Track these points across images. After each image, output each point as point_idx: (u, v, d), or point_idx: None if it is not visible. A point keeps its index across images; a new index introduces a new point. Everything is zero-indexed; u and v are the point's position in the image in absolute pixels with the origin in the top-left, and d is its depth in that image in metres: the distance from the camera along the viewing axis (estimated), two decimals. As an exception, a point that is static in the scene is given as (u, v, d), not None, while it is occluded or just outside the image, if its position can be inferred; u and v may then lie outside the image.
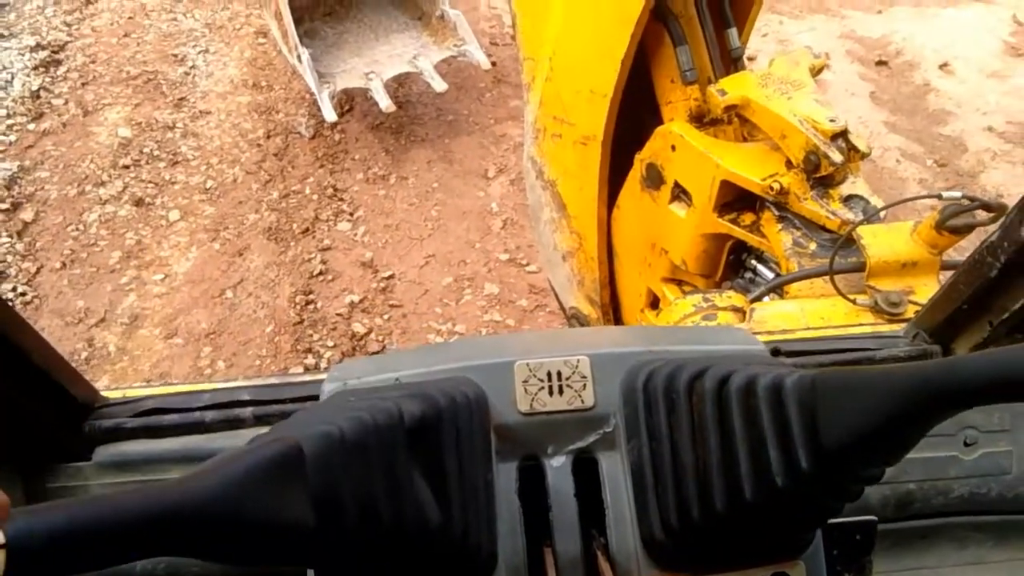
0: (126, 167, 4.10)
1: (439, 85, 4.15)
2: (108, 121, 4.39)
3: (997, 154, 4.26)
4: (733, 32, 1.84)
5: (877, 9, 5.49)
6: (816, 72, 1.72)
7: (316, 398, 0.87)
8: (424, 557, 0.57)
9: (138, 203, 3.90)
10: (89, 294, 3.48)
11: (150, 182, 4.03)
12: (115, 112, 4.46)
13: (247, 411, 0.97)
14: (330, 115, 3.92)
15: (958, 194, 1.30)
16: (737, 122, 1.85)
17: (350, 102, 4.61)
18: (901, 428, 0.47)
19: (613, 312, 2.30)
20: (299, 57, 3.90)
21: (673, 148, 1.79)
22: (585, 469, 0.67)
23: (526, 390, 0.67)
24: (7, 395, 0.84)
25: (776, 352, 1.04)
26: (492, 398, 0.67)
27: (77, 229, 3.78)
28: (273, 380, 1.02)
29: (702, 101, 1.78)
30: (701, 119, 1.83)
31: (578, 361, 0.68)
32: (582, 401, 0.67)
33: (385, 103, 3.95)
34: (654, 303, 2.10)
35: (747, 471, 0.55)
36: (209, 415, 0.97)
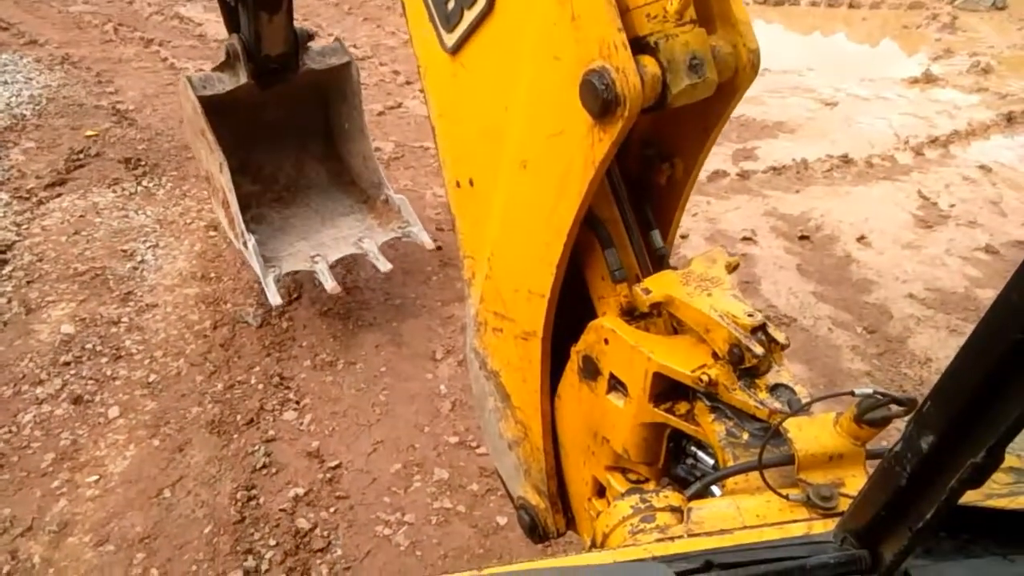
0: (66, 364, 4.03)
1: (383, 265, 4.26)
2: (51, 318, 4.37)
3: (921, 319, 4.49)
4: (656, 233, 1.97)
5: (795, 189, 5.94)
6: (732, 269, 1.84)
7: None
8: None
9: (76, 401, 3.81)
10: (17, 501, 3.30)
11: (90, 379, 3.95)
12: (59, 309, 4.44)
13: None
14: (275, 299, 3.96)
15: (869, 390, 1.37)
16: (666, 314, 1.94)
17: (298, 289, 4.70)
18: None
19: (561, 501, 2.27)
20: (245, 243, 3.98)
21: (606, 341, 1.85)
22: None
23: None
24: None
25: (709, 565, 1.05)
26: None
27: (10, 431, 3.64)
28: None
29: (631, 297, 1.87)
30: (632, 313, 1.91)
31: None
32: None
33: (330, 284, 4.02)
34: (600, 491, 2.09)
35: None
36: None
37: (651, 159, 1.93)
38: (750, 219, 5.42)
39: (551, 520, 2.28)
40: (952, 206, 5.62)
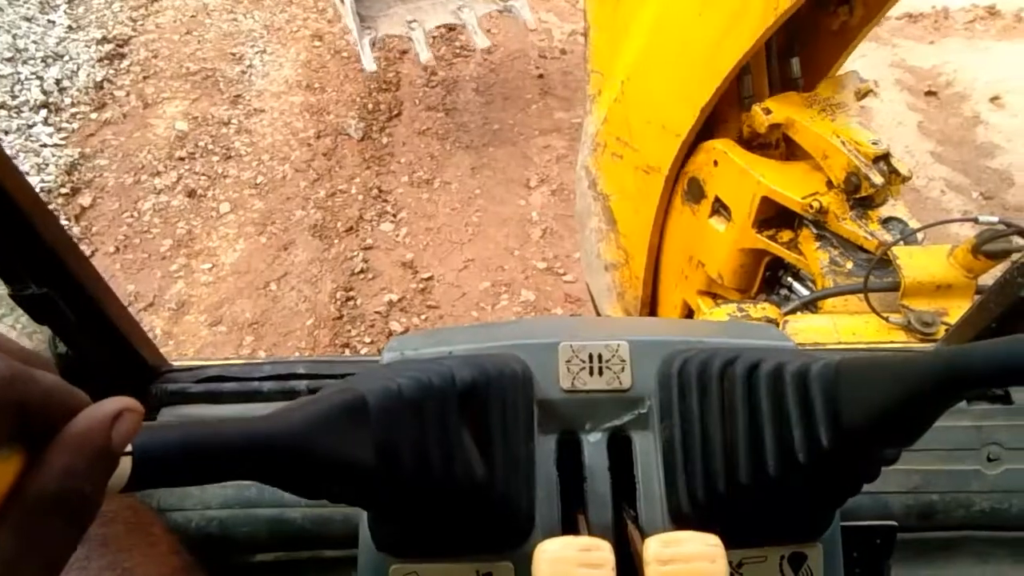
0: (181, 159, 4.24)
1: (482, 41, 4.09)
2: (166, 114, 4.55)
3: (1045, 189, 4.21)
4: (795, 61, 1.87)
5: (929, 40, 5.46)
6: (861, 96, 1.75)
7: (368, 374, 0.93)
8: (468, 510, 0.62)
9: (191, 194, 4.04)
10: (140, 279, 3.61)
11: (203, 175, 4.16)
12: (173, 106, 4.61)
13: (302, 383, 1.03)
14: (370, 65, 3.89)
15: (994, 219, 1.33)
16: (783, 147, 1.88)
17: (399, 106, 4.72)
18: (917, 408, 0.50)
19: None
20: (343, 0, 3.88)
21: (716, 163, 1.82)
22: (619, 446, 0.71)
23: (568, 369, 0.72)
24: (85, 350, 0.91)
25: (806, 360, 1.08)
26: (537, 375, 0.72)
27: (132, 216, 3.92)
28: (328, 357, 1.09)
29: (748, 121, 1.81)
30: (750, 143, 1.86)
31: (618, 346, 0.73)
32: (620, 382, 0.72)
33: (425, 55, 3.93)
34: (689, 315, 2.13)
35: (771, 448, 0.59)
36: (267, 385, 1.04)
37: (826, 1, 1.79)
38: (875, 69, 5.04)
39: None
40: (1105, 71, 5.09)
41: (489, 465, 0.64)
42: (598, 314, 2.52)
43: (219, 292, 3.57)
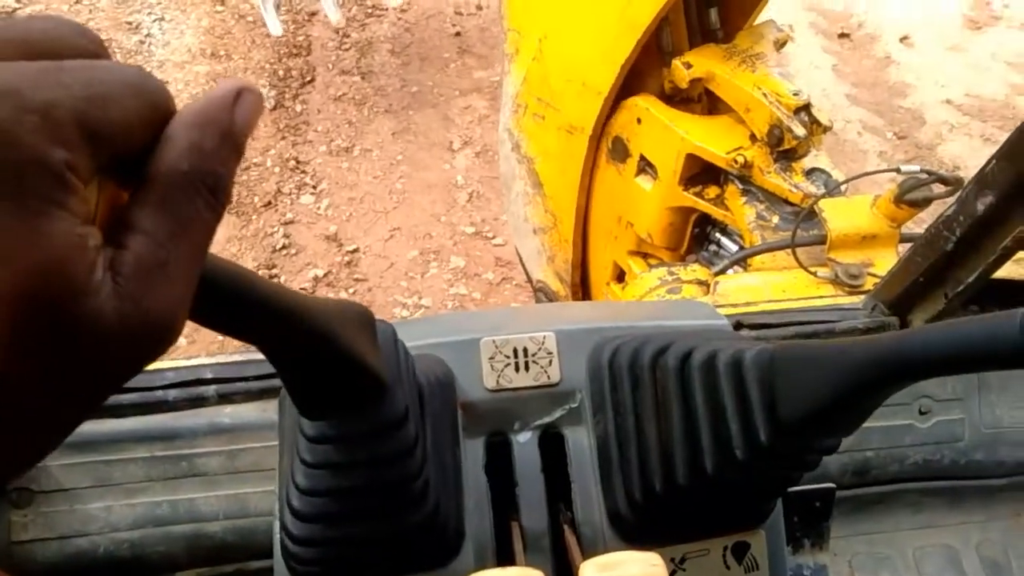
0: (80, 139, 3.98)
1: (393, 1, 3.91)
2: (60, 91, 4.26)
3: (955, 127, 4.34)
4: (714, 12, 1.83)
5: (839, -19, 5.52)
6: (780, 46, 1.73)
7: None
8: (394, 525, 0.57)
9: (94, 177, 3.80)
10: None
11: (105, 154, 3.92)
12: (67, 82, 4.32)
13: (211, 389, 0.96)
14: (276, 29, 3.86)
15: (916, 168, 1.33)
16: (706, 101, 1.85)
17: (311, 72, 4.52)
18: (855, 400, 0.48)
19: (582, 288, 2.31)
20: None
21: (639, 121, 1.79)
22: (551, 444, 0.67)
23: (492, 367, 0.67)
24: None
25: (739, 326, 1.06)
26: (458, 375, 0.67)
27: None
28: (236, 357, 1.01)
29: (668, 75, 1.77)
30: (672, 99, 1.83)
31: (544, 338, 0.68)
32: (548, 377, 0.67)
33: (336, 17, 3.92)
34: (620, 276, 2.11)
35: (709, 444, 0.56)
36: (172, 393, 0.96)
37: None
38: (789, 13, 5.07)
39: None
40: (1006, 6, 5.23)
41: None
42: (529, 280, 2.48)
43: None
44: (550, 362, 0.67)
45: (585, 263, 2.25)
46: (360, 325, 0.50)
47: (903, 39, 4.95)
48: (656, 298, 1.47)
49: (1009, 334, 0.38)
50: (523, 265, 2.51)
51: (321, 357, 0.46)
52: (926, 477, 1.05)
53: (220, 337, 3.03)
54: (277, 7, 3.89)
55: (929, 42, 4.95)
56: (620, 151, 1.87)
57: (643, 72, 1.83)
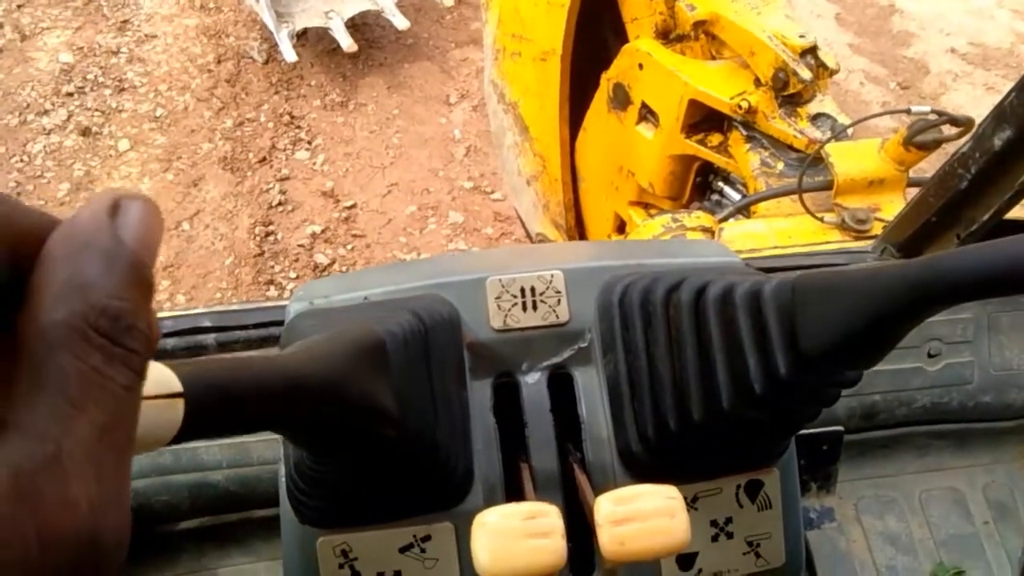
0: (70, 95, 3.91)
1: (400, 22, 4.07)
2: (48, 46, 4.17)
3: (958, 76, 4.27)
4: None
5: (843, -73, 5.38)
6: None
7: (280, 323, 0.85)
8: (403, 467, 0.56)
9: (85, 132, 3.74)
10: (38, 228, 3.36)
11: (96, 110, 3.85)
12: (54, 36, 4.22)
13: (210, 337, 0.94)
14: (290, 55, 3.86)
15: (926, 109, 1.30)
16: (704, 39, 1.80)
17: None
18: (883, 328, 0.46)
19: (580, 237, 2.29)
20: None
21: (640, 67, 1.75)
22: (561, 385, 0.66)
23: (499, 306, 0.65)
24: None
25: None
26: (465, 315, 0.65)
27: (21, 161, 3.62)
28: (235, 307, 0.99)
29: (668, 16, 1.73)
30: (667, 35, 1.78)
31: (552, 276, 0.66)
32: (556, 316, 0.65)
33: (346, 42, 3.90)
34: (620, 227, 2.09)
35: (725, 379, 0.54)
36: (171, 342, 0.95)
37: None
38: (791, -39, 4.97)
39: None
40: (1014, -48, 5.13)
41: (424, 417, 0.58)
42: (529, 236, 2.46)
43: (128, 236, 3.35)
44: (558, 301, 0.66)
45: (579, 206, 2.23)
46: (369, 362, 0.47)
47: (907, -14, 4.85)
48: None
49: None
50: (521, 222, 2.49)
51: (330, 423, 0.44)
52: (934, 420, 1.05)
53: (218, 294, 3.01)
54: (291, 36, 3.90)
55: (934, -11, 4.85)
56: (621, 98, 1.83)
57: (632, 13, 1.79)
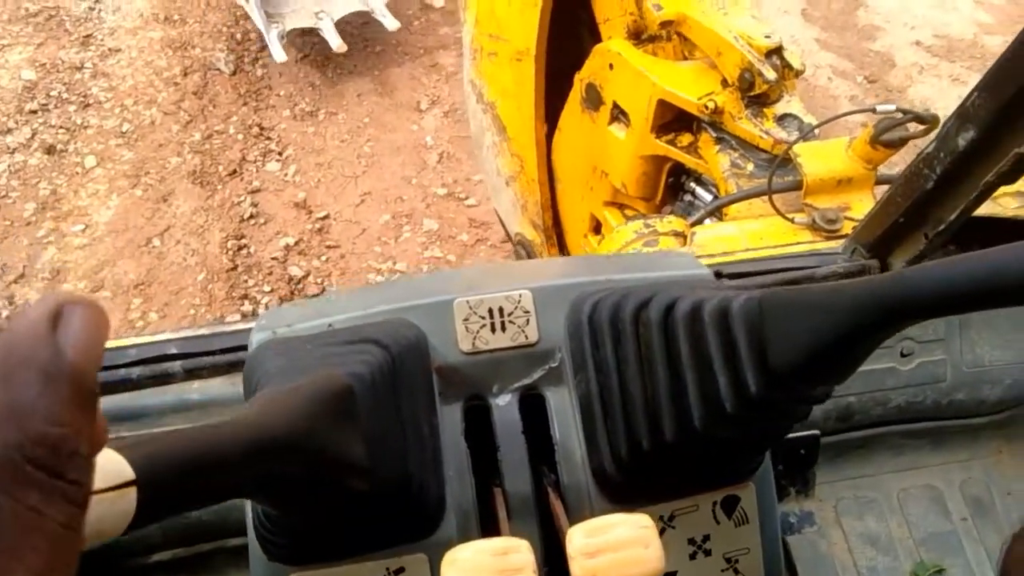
0: (33, 112, 3.84)
1: (391, 23, 4.06)
2: (9, 63, 4.09)
3: (924, 68, 4.32)
4: None
5: (806, -77, 5.43)
6: None
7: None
8: (384, 507, 0.55)
9: (49, 150, 3.68)
10: (4, 249, 3.29)
11: (61, 127, 3.79)
12: (16, 53, 4.15)
13: (176, 365, 0.92)
14: (280, 55, 3.85)
15: (892, 107, 1.30)
16: (676, 39, 1.81)
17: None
18: (850, 345, 0.45)
19: (557, 237, 2.29)
20: None
21: (611, 67, 1.75)
22: (532, 406, 0.65)
23: (467, 328, 0.64)
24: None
25: (718, 275, 1.04)
26: (432, 339, 0.64)
27: (-15, 181, 3.55)
28: (202, 331, 0.97)
29: (638, 16, 1.73)
30: (639, 36, 1.78)
31: (520, 295, 0.65)
32: (526, 337, 0.64)
33: (336, 43, 3.89)
34: (597, 228, 2.09)
35: (696, 398, 0.54)
36: (136, 371, 0.92)
37: None
38: (756, -42, 5.01)
39: (546, 254, 2.32)
40: (973, -56, 5.21)
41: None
42: (509, 236, 2.46)
43: (97, 254, 3.30)
44: (527, 321, 0.65)
45: (556, 206, 2.23)
46: (336, 413, 0.46)
47: (871, -20, 4.91)
48: (633, 251, 1.44)
49: (1014, 267, 0.35)
50: (502, 222, 2.49)
51: (298, 484, 0.43)
52: (909, 419, 1.05)
53: (191, 310, 2.97)
54: (281, 37, 3.88)
55: (897, -18, 4.91)
56: (593, 98, 1.83)
57: (604, 14, 1.79)
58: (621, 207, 1.97)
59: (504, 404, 0.64)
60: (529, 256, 2.34)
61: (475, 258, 3.43)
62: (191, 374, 0.91)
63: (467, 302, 0.65)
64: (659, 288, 0.60)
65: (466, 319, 0.64)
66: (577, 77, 1.83)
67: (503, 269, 0.79)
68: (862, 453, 1.07)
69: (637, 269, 0.69)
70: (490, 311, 0.65)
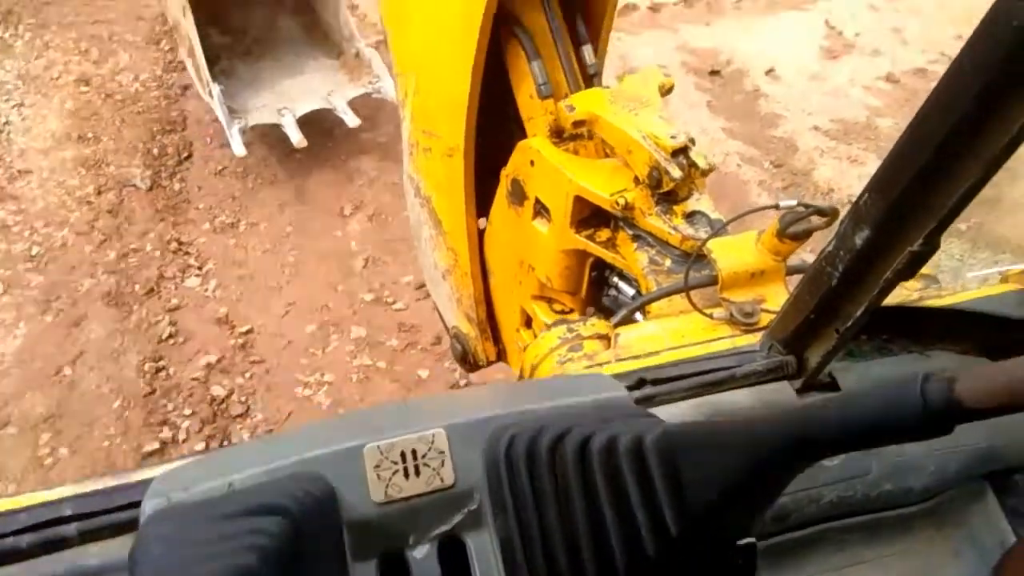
0: (-66, 241, 3.69)
1: (351, 120, 4.19)
2: (-91, 192, 3.95)
3: (824, 151, 4.58)
4: (588, 49, 1.88)
5: (705, 22, 5.81)
6: (665, 91, 1.77)
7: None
8: None
9: (-48, 280, 3.51)
10: (-100, 388, 3.08)
11: (-36, 255, 3.64)
12: (-84, 181, 4.01)
13: (71, 528, 0.84)
14: (239, 149, 3.91)
15: (793, 202, 1.35)
16: (598, 138, 1.87)
17: (188, 147, 4.37)
18: (764, 480, 0.44)
19: (492, 331, 2.29)
20: (210, 92, 3.91)
21: (532, 163, 1.80)
22: (452, 552, 0.61)
23: (379, 476, 0.61)
24: None
25: (642, 382, 1.03)
26: (342, 491, 0.60)
27: None
28: (100, 484, 0.90)
29: (556, 116, 1.79)
30: (561, 134, 1.84)
31: (433, 436, 0.62)
32: (442, 480, 0.61)
33: (296, 138, 3.98)
34: (528, 322, 2.09)
35: (617, 538, 0.51)
36: (26, 539, 0.84)
37: None
38: (661, 55, 5.29)
39: (481, 348, 2.31)
40: (857, 35, 5.63)
41: None
42: (447, 329, 2.43)
43: (2, 388, 3.11)
44: (442, 463, 0.62)
45: (489, 298, 2.23)
46: None
47: (768, 72, 5.24)
48: (557, 358, 1.43)
49: (910, 404, 0.35)
50: (440, 316, 2.48)
51: None
52: (843, 515, 1.04)
53: (105, 442, 2.82)
54: (242, 132, 3.97)
55: (792, 73, 5.25)
56: (518, 193, 1.87)
57: (527, 113, 1.85)
58: (549, 301, 1.98)
59: (422, 556, 0.60)
60: (464, 350, 2.33)
61: (406, 363, 3.37)
62: (87, 536, 0.84)
63: (378, 447, 0.61)
64: (574, 420, 0.58)
65: (377, 466, 0.61)
66: (503, 173, 1.88)
67: (414, 406, 0.76)
68: (801, 553, 1.05)
69: (553, 396, 0.67)
70: (403, 455, 0.61)
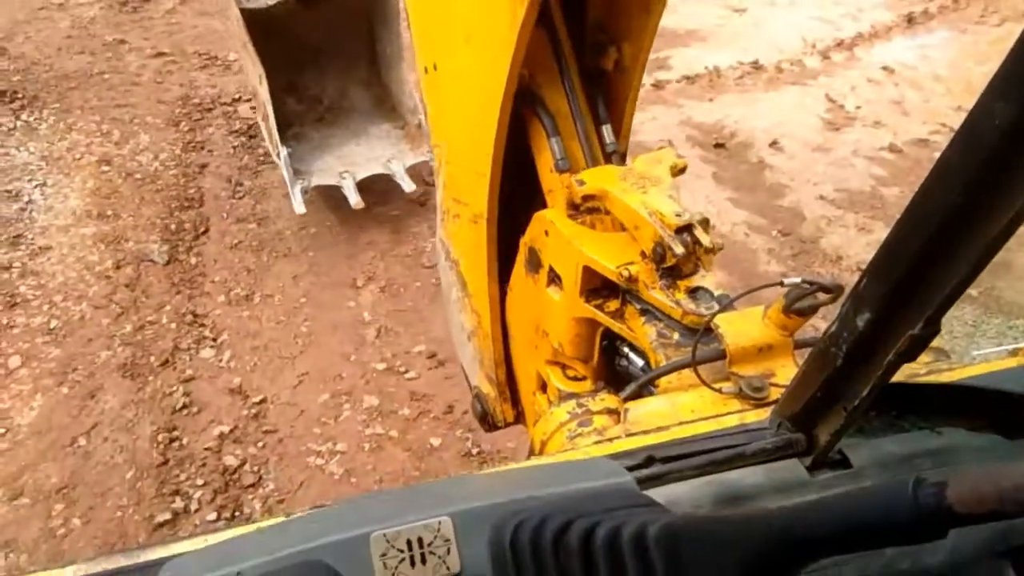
0: (-44, 315, 3.75)
1: (408, 185, 4.39)
2: (-66, 268, 4.04)
3: (831, 220, 4.62)
4: (607, 128, 1.94)
5: (708, 97, 5.95)
6: (676, 172, 1.81)
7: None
8: None
9: (-29, 353, 3.56)
10: (-86, 461, 3.10)
11: (-16, 329, 3.70)
12: (-58, 257, 4.11)
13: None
14: (300, 208, 4.12)
15: (797, 279, 1.37)
16: (615, 214, 1.92)
17: (205, 223, 4.47)
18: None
19: (511, 393, 2.31)
20: (278, 154, 4.16)
21: (547, 233, 1.85)
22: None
23: (385, 564, 0.61)
24: None
25: (650, 460, 1.03)
26: None
27: (-102, 390, 3.39)
28: (108, 564, 0.90)
29: (570, 190, 1.84)
30: (577, 207, 1.89)
31: (439, 523, 0.63)
32: (448, 568, 0.62)
33: (354, 199, 4.21)
34: (544, 386, 2.11)
35: None
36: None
37: (602, 45, 1.91)
38: (666, 129, 5.41)
39: (499, 409, 2.34)
40: (858, 107, 5.75)
41: None
42: (470, 387, 2.46)
43: (17, 459, 3.12)
44: (448, 550, 0.62)
45: (510, 364, 2.25)
46: None
47: (772, 144, 5.33)
48: (567, 432, 1.43)
49: (902, 506, 0.36)
50: (465, 376, 2.52)
51: None
52: None
53: (118, 512, 2.80)
54: (305, 192, 4.17)
55: (796, 145, 5.34)
56: (534, 261, 1.92)
57: (547, 186, 1.92)
58: (563, 367, 2.00)
59: (429, 646, 0.60)
60: (484, 409, 2.35)
61: (417, 432, 3.36)
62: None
63: (384, 536, 0.62)
64: (579, 508, 0.59)
65: (384, 554, 0.61)
66: (522, 241, 1.93)
67: (420, 492, 0.77)
68: None
69: (559, 482, 0.68)
70: (408, 543, 0.62)
